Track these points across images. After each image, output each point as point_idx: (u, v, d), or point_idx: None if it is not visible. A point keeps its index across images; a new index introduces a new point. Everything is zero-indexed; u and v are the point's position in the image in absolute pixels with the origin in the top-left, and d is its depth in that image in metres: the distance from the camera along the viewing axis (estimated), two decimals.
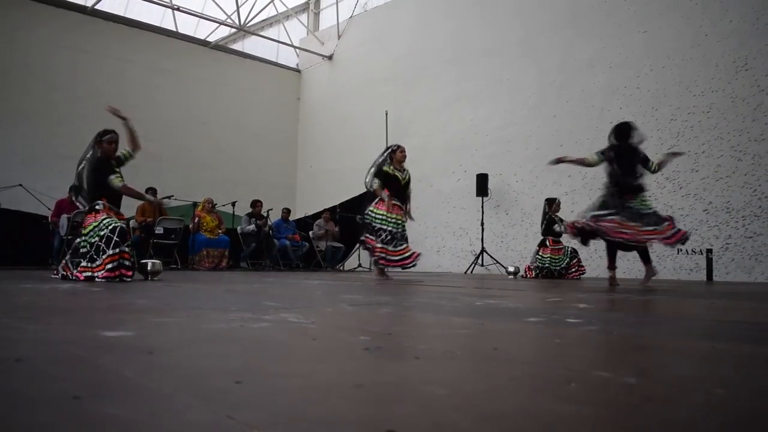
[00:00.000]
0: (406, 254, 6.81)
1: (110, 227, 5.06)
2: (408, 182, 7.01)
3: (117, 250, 5.00)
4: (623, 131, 5.85)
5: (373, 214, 6.79)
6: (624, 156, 5.74)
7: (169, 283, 4.90)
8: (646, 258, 5.84)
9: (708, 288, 6.09)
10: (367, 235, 6.87)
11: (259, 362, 1.32)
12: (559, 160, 6.09)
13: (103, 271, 4.93)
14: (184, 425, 0.83)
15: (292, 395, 0.99)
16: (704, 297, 4.42)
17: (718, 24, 9.22)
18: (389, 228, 6.73)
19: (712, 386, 1.14)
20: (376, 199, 6.84)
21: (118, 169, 5.37)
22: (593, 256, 9.91)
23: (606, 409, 0.94)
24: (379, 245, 6.69)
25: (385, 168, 6.90)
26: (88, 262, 5.01)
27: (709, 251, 8.53)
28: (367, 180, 6.97)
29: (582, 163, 5.99)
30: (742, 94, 8.86)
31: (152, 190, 9.40)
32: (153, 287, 4.35)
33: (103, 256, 4.96)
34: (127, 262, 5.06)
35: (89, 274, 4.96)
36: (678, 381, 1.20)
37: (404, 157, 6.98)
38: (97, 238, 5.03)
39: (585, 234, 5.71)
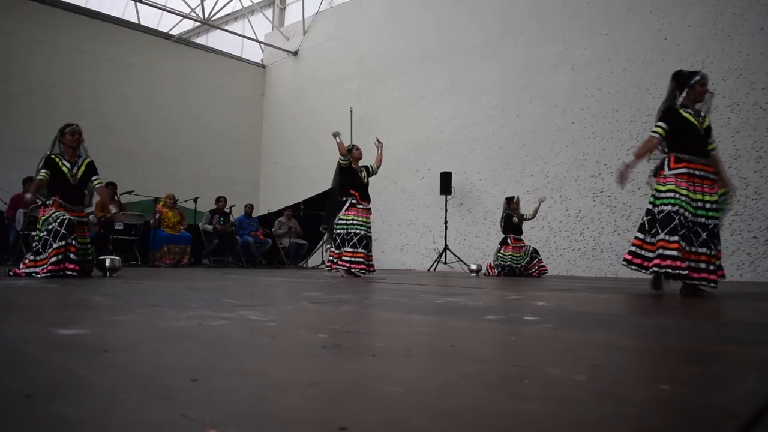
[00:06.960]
0: (372, 261, 7.04)
1: (59, 220, 5.03)
2: (370, 175, 7.31)
3: (63, 242, 4.96)
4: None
5: (344, 221, 6.93)
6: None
7: (128, 280, 4.84)
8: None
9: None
10: (332, 249, 7.05)
11: (216, 360, 1.32)
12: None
13: (46, 266, 4.89)
14: (136, 424, 0.83)
15: (248, 393, 0.99)
16: (668, 297, 4.52)
17: (676, 28, 9.44)
18: (362, 232, 6.90)
19: (658, 382, 1.18)
20: (345, 207, 6.98)
21: (44, 171, 5.21)
22: (554, 254, 10.07)
23: (555, 405, 0.96)
24: (350, 250, 6.81)
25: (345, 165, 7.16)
26: (33, 255, 5.01)
27: None
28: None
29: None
30: None
31: (112, 185, 9.24)
32: (111, 284, 4.29)
33: (49, 250, 4.94)
34: (72, 255, 5.01)
35: (31, 269, 4.95)
36: (626, 377, 1.24)
37: (360, 155, 7.28)
38: (45, 232, 5.01)
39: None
